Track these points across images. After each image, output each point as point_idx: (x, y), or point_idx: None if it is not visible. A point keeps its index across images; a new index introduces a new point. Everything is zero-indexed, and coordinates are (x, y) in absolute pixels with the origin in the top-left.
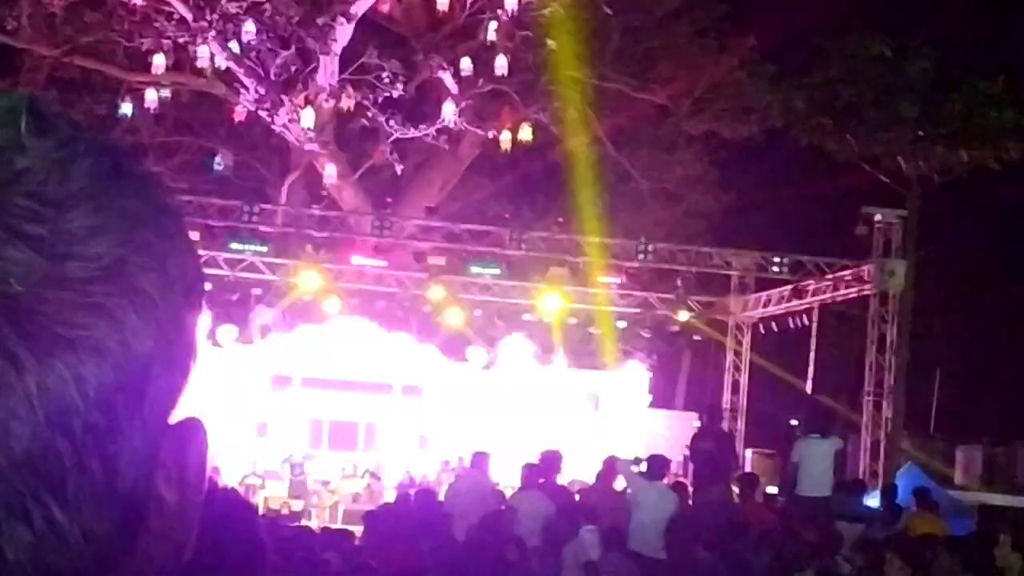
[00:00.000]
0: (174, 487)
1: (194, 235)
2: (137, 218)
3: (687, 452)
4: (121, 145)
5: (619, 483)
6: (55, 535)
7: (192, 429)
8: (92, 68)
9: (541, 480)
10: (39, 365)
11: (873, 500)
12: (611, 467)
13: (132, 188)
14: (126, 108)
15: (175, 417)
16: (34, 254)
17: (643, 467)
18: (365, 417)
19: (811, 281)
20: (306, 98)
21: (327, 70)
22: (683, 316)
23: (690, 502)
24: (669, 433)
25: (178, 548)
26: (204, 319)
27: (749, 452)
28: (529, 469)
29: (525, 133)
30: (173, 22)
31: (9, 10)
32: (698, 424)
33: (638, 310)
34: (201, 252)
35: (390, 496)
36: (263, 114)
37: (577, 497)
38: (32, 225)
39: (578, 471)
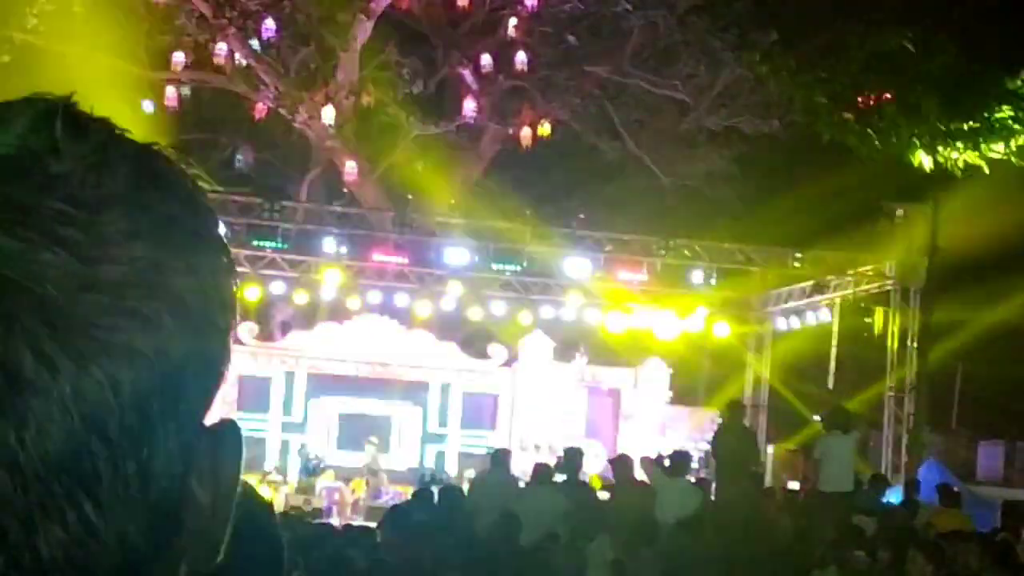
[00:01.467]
0: (208, 489)
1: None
2: (173, 222)
3: (708, 448)
4: (159, 149)
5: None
6: (90, 535)
7: (227, 432)
8: (113, 66)
9: (563, 477)
10: (74, 368)
11: (895, 495)
12: (633, 464)
13: (168, 193)
14: (146, 106)
15: (209, 419)
16: (69, 257)
17: (665, 463)
18: (386, 414)
19: (832, 276)
20: (327, 95)
21: (347, 67)
22: (704, 312)
23: (712, 498)
24: (691, 429)
25: (212, 549)
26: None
27: (771, 448)
28: (541, 466)
29: (545, 129)
30: (194, 19)
31: (30, 8)
32: (719, 420)
33: (659, 306)
34: None
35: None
36: (284, 111)
37: (601, 494)
38: (67, 229)
39: (600, 468)
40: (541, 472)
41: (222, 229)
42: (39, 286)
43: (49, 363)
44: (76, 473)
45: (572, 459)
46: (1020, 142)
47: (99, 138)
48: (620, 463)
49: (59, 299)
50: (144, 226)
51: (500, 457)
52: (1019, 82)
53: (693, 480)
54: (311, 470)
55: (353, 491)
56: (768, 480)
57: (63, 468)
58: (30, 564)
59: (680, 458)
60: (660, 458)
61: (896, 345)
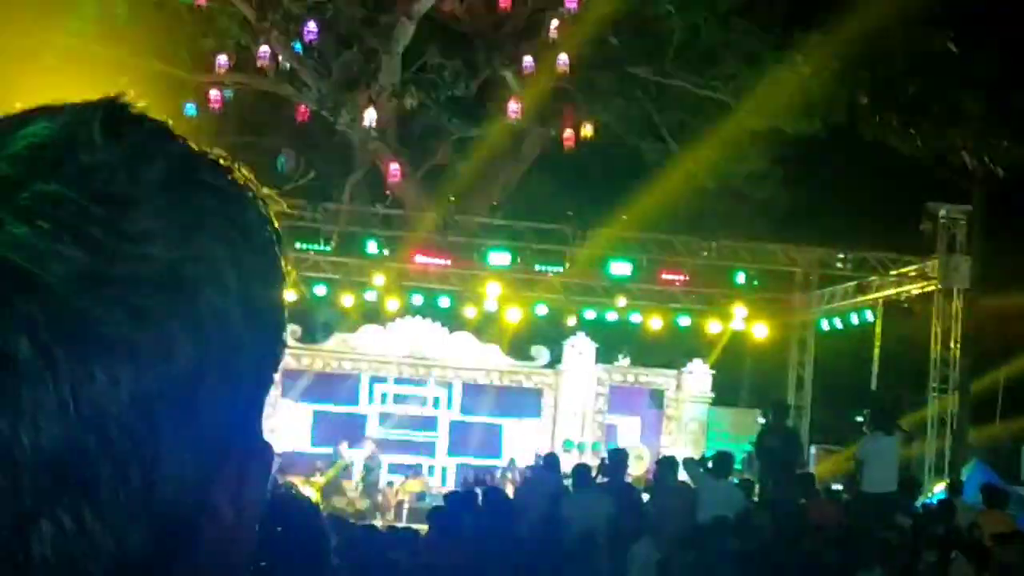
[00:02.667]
0: (233, 504)
1: None
2: (200, 228)
3: (752, 449)
4: (204, 155)
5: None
6: (84, 536)
7: (257, 451)
8: (156, 70)
9: (606, 479)
10: (73, 361)
11: (939, 496)
12: (677, 466)
13: (202, 198)
14: (190, 108)
15: (242, 436)
16: (81, 251)
17: (708, 465)
18: (429, 416)
19: (875, 277)
20: (369, 97)
21: (389, 69)
22: (746, 313)
23: (755, 499)
24: (733, 430)
25: (232, 566)
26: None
27: (814, 449)
28: (582, 468)
29: (587, 131)
30: (236, 22)
31: (73, 12)
32: (762, 421)
33: (702, 307)
34: None
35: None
36: (326, 114)
37: (643, 496)
38: (86, 222)
39: (644, 469)
40: (582, 474)
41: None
42: (45, 275)
43: (46, 352)
44: (72, 470)
45: (616, 461)
46: None
47: (137, 137)
48: (664, 465)
49: (63, 290)
50: (167, 228)
51: (550, 460)
52: None
53: (736, 481)
54: (355, 472)
55: (397, 493)
56: None
57: (58, 464)
58: (21, 562)
59: (722, 459)
60: (703, 459)
61: (939, 345)
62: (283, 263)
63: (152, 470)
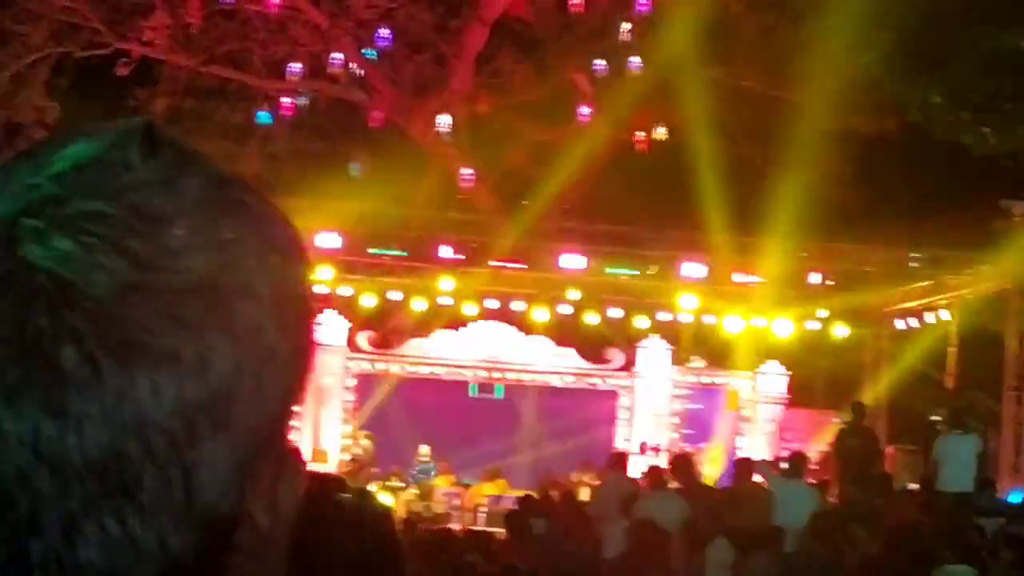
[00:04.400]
0: (267, 512)
1: (335, 240)
2: (235, 243)
3: (828, 450)
4: (235, 176)
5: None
6: (128, 540)
7: (290, 460)
8: (229, 77)
9: (677, 482)
10: (117, 369)
11: (1016, 496)
12: (749, 467)
13: (235, 215)
14: (263, 116)
15: (275, 444)
16: (124, 263)
17: (784, 465)
18: (505, 420)
19: (950, 276)
20: (441, 102)
21: (461, 74)
22: (822, 313)
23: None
24: (808, 431)
25: (269, 571)
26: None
27: (890, 448)
28: (655, 469)
29: (660, 133)
30: (308, 29)
31: (147, 22)
32: (837, 421)
33: (776, 308)
34: (340, 258)
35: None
36: (398, 119)
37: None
38: (127, 237)
39: (717, 471)
40: (656, 476)
41: (336, 240)
42: (90, 287)
43: (92, 361)
44: (116, 476)
45: (688, 463)
46: None
47: (173, 157)
48: (739, 466)
49: (108, 301)
50: (204, 242)
51: (617, 461)
52: None
53: (814, 482)
54: (431, 476)
55: (472, 496)
56: None
57: (103, 469)
58: (68, 564)
59: (796, 460)
60: (777, 460)
61: (1016, 344)
62: (310, 279)
63: (192, 476)
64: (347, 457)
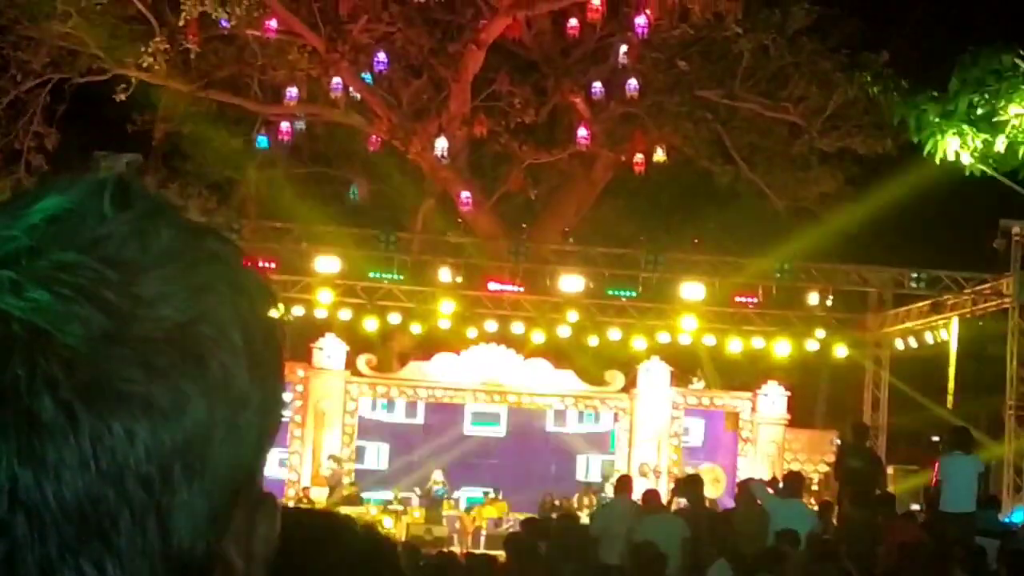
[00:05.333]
0: (243, 555)
1: (334, 264)
2: (207, 291)
3: (828, 470)
4: (206, 226)
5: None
6: None
7: (265, 504)
8: (227, 102)
9: (683, 503)
10: (92, 417)
11: (1018, 516)
12: (746, 489)
13: (207, 265)
14: (262, 141)
15: (250, 489)
16: (98, 313)
17: (779, 485)
18: (505, 442)
19: (949, 296)
20: (439, 126)
21: (459, 97)
22: (821, 334)
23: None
24: (809, 452)
25: None
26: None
27: (891, 469)
28: (653, 493)
29: (658, 155)
30: (306, 54)
31: (144, 48)
32: (838, 442)
33: (776, 329)
34: (339, 281)
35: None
36: (397, 143)
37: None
38: (101, 287)
39: (719, 492)
40: (654, 499)
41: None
42: (65, 336)
43: (68, 410)
44: (93, 522)
45: (692, 485)
46: None
47: (145, 209)
48: (740, 487)
49: (83, 350)
50: (177, 291)
51: (622, 484)
52: None
53: (815, 502)
54: (432, 498)
55: (474, 519)
56: None
57: (80, 516)
58: None
59: (793, 480)
60: (774, 480)
61: (1015, 363)
62: (281, 327)
63: (168, 522)
64: (347, 481)
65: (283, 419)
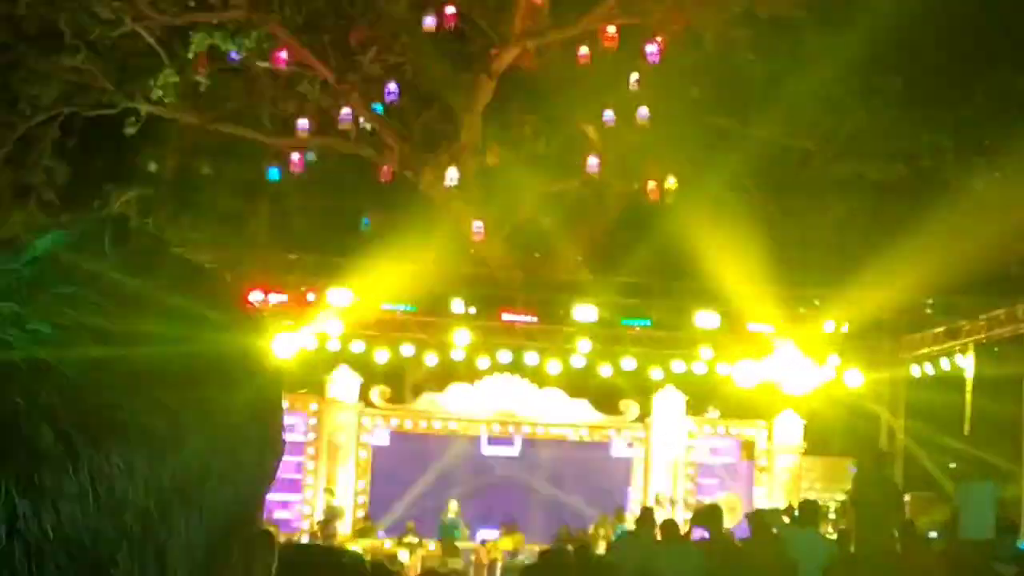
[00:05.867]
0: None
1: (345, 295)
2: (205, 325)
3: (846, 498)
4: (203, 264)
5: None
6: None
7: (262, 540)
8: (237, 134)
9: (704, 534)
10: (91, 448)
11: None
12: (765, 517)
13: (205, 300)
14: (273, 172)
15: (249, 525)
16: (97, 345)
17: (794, 514)
18: (520, 473)
19: (965, 322)
20: (450, 156)
21: (470, 127)
22: (836, 361)
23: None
24: (825, 480)
25: None
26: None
27: (908, 496)
28: (671, 523)
29: (670, 183)
30: (317, 85)
31: (154, 81)
32: (854, 470)
33: (790, 356)
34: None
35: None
36: (408, 174)
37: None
38: (100, 319)
39: (735, 521)
40: (671, 529)
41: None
42: (65, 367)
43: (67, 440)
44: (91, 555)
45: (711, 516)
46: None
47: (144, 245)
48: (755, 517)
49: (83, 381)
50: (174, 323)
51: (642, 515)
52: None
53: (832, 530)
54: (447, 530)
55: (490, 551)
56: None
57: (78, 548)
58: None
59: (808, 508)
60: (789, 508)
61: None
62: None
63: (165, 555)
64: (360, 514)
65: (282, 456)
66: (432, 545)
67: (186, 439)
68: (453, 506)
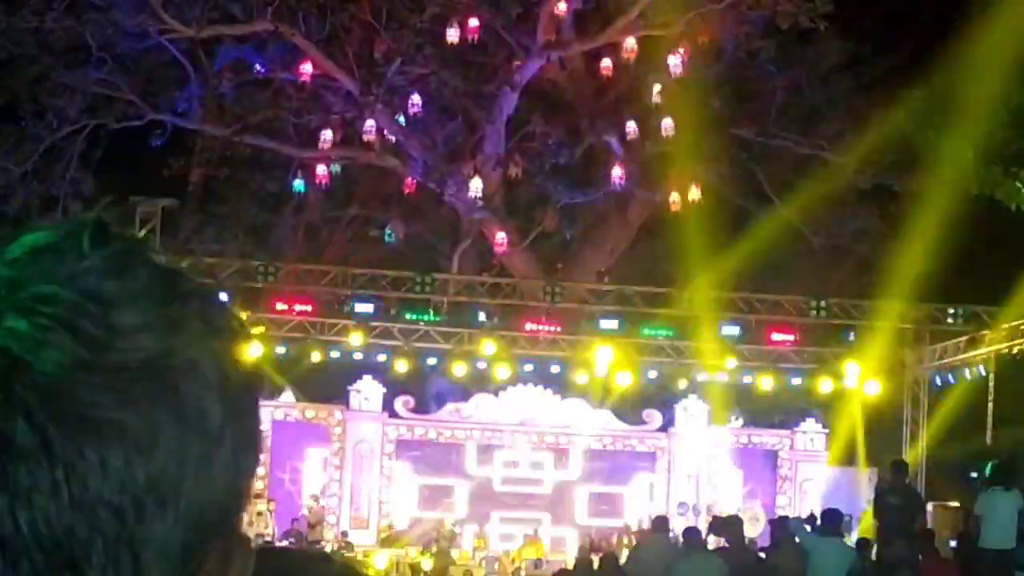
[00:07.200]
0: None
1: (367, 307)
2: (181, 326)
3: (867, 507)
4: (178, 267)
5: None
6: None
7: (239, 546)
8: (262, 146)
9: (725, 544)
10: (66, 443)
11: None
12: (788, 526)
13: (181, 301)
14: (298, 184)
15: (225, 529)
16: (74, 342)
17: (816, 523)
18: (543, 482)
19: (987, 331)
20: (474, 167)
21: (494, 139)
22: (858, 370)
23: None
24: (848, 489)
25: None
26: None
27: (930, 506)
28: (693, 531)
29: (693, 193)
30: (340, 97)
31: (180, 92)
32: (877, 479)
33: (813, 366)
34: (375, 323)
35: (571, 561)
36: (432, 185)
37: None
38: (78, 317)
39: (758, 530)
40: (694, 537)
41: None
42: (41, 364)
43: (43, 435)
44: (65, 552)
45: (729, 524)
46: None
47: (122, 247)
48: (777, 525)
49: (59, 377)
50: (151, 323)
51: (663, 524)
52: None
53: (852, 539)
54: (471, 538)
55: (513, 560)
56: None
57: (53, 544)
58: None
59: (830, 517)
60: (811, 517)
61: None
62: (260, 373)
63: (139, 555)
64: (385, 524)
65: (259, 459)
66: (455, 553)
67: (161, 437)
68: (450, 518)
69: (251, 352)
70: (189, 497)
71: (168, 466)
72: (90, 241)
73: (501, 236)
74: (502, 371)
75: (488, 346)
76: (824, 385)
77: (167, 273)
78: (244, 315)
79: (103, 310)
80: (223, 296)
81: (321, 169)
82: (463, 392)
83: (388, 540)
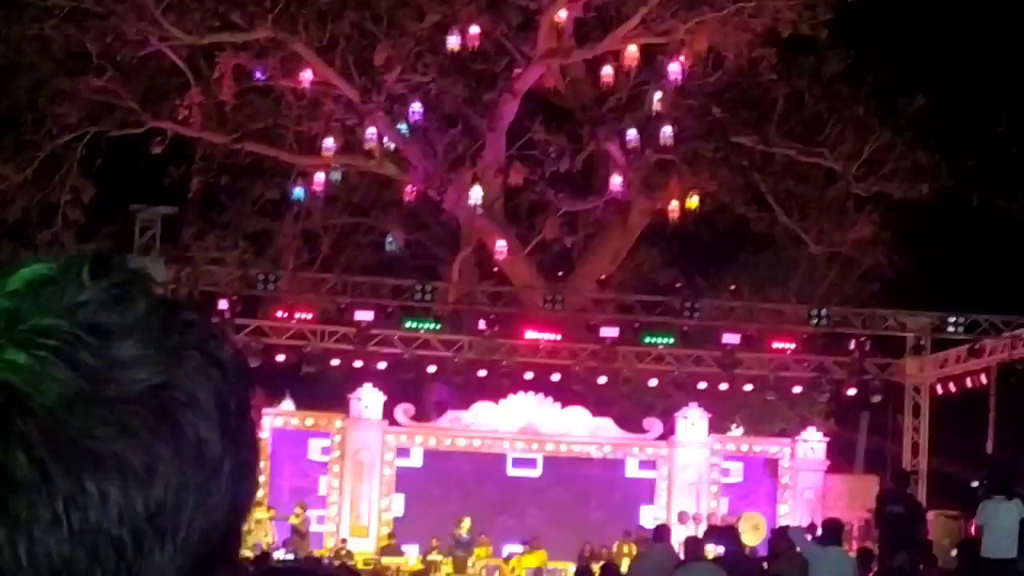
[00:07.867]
0: None
1: (368, 315)
2: (181, 358)
3: (869, 516)
4: (179, 298)
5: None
6: None
7: (236, 572)
8: (263, 154)
9: (723, 551)
10: (66, 476)
11: None
12: (785, 536)
13: (180, 332)
14: (298, 192)
15: (223, 557)
16: (74, 375)
17: (817, 532)
18: (543, 491)
19: (988, 340)
20: (474, 175)
21: (494, 146)
22: (859, 379)
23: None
24: (849, 498)
25: None
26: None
27: (931, 515)
28: (693, 540)
29: (693, 201)
30: (341, 105)
31: (180, 100)
32: (878, 488)
33: (814, 375)
34: (376, 331)
35: (571, 570)
36: (432, 193)
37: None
38: (78, 350)
39: (759, 539)
40: (694, 546)
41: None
42: (41, 396)
43: (42, 468)
44: None
45: (724, 532)
46: None
47: (122, 279)
48: (778, 534)
49: (59, 410)
50: (150, 355)
51: (663, 532)
52: None
53: (853, 549)
54: (470, 548)
55: (513, 569)
56: None
57: (51, 573)
58: None
59: (831, 526)
60: (812, 526)
61: None
62: (259, 404)
63: None
64: (384, 531)
65: (257, 488)
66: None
67: (160, 469)
68: (466, 523)
69: (251, 363)
70: (188, 527)
71: (167, 497)
72: (90, 273)
73: (501, 244)
74: (502, 379)
75: (488, 354)
76: (824, 394)
77: (166, 304)
78: (244, 323)
79: (102, 342)
80: (223, 304)
81: (321, 177)
82: (463, 400)
83: (389, 548)
